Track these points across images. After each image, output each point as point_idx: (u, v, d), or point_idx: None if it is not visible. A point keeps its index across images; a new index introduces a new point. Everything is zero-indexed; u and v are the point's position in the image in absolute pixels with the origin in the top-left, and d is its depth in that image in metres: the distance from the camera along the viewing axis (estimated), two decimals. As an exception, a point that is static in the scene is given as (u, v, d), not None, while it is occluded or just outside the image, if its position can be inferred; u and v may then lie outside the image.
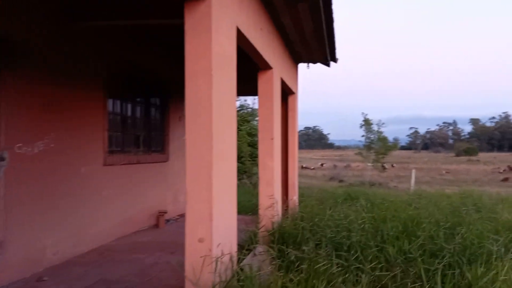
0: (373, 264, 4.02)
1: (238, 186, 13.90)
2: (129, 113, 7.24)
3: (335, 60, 8.04)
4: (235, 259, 3.66)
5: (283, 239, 5.05)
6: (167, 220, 8.02)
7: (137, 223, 7.19)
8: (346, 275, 3.77)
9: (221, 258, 3.24)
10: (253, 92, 7.44)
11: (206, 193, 3.12)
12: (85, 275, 4.76)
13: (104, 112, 6.36)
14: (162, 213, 7.74)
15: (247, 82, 6.07)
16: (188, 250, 3.11)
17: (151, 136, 7.85)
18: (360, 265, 4.04)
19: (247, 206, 8.72)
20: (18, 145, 4.65)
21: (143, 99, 7.68)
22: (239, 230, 6.41)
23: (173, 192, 8.55)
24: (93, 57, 6.09)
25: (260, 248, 4.57)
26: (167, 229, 7.52)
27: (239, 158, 15.29)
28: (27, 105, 4.79)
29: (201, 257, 3.07)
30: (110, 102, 6.61)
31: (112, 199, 6.48)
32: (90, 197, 5.95)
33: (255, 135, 15.94)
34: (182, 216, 8.69)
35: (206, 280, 3.06)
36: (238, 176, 15.42)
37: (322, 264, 3.77)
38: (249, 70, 5.79)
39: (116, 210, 6.58)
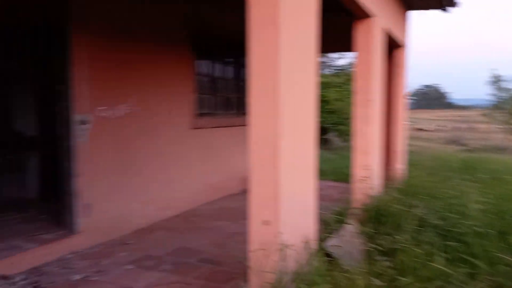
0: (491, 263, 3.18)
1: (344, 150, 13.12)
2: (218, 74, 6.94)
3: (453, 3, 6.67)
4: (312, 243, 3.14)
5: (378, 218, 4.37)
6: (261, 185, 7.74)
7: (225, 188, 7.03)
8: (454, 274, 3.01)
9: (292, 244, 2.75)
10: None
11: (271, 169, 2.61)
12: (167, 241, 4.66)
13: (192, 74, 6.12)
14: (254, 178, 7.46)
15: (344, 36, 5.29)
16: (251, 234, 2.67)
17: (241, 98, 7.51)
18: (475, 263, 3.22)
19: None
20: (101, 108, 4.60)
21: (232, 59, 7.30)
22: (332, 201, 5.85)
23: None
24: (181, 17, 5.81)
25: (349, 227, 3.98)
26: (259, 194, 7.24)
27: (345, 120, 14.41)
28: (110, 67, 4.69)
29: (265, 243, 2.62)
30: (198, 63, 6.35)
31: (199, 163, 6.34)
32: (177, 161, 5.85)
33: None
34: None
35: (272, 269, 2.60)
36: (345, 139, 14.62)
37: (421, 257, 3.06)
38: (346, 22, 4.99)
39: (203, 175, 6.45)
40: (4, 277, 3.53)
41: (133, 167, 5.06)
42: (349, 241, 3.82)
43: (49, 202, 5.44)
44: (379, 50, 5.27)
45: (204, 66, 6.55)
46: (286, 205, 2.70)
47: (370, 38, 4.97)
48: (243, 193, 7.23)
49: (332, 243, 3.63)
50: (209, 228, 5.17)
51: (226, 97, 7.08)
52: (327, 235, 3.72)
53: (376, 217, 4.37)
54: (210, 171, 6.58)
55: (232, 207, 6.28)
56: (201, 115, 6.41)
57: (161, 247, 4.48)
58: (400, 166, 7.22)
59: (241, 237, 4.77)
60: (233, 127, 7.10)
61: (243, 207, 6.37)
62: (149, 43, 5.26)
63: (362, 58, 5.00)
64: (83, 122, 4.39)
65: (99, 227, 4.59)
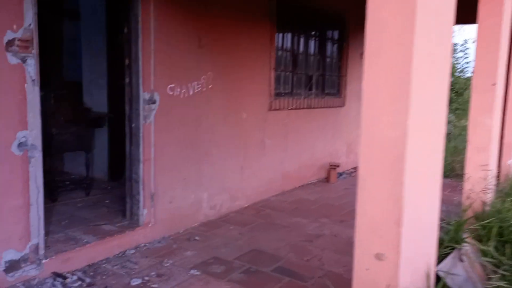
0: None
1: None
2: (300, 49, 6.15)
3: None
4: (432, 276, 2.36)
5: (501, 233, 3.45)
6: (340, 174, 6.96)
7: (304, 176, 6.32)
8: None
9: (410, 282, 1.99)
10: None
11: (391, 180, 1.85)
12: (237, 239, 4.09)
13: (271, 48, 5.40)
14: (334, 166, 6.69)
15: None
16: (356, 271, 1.95)
17: (325, 76, 6.67)
18: None
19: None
20: (170, 85, 4.06)
21: (316, 33, 6.46)
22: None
23: (348, 142, 7.36)
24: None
25: (467, 248, 3.12)
26: (338, 185, 6.47)
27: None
28: (181, 41, 4.11)
29: (376, 283, 1.89)
30: (278, 36, 5.61)
31: (276, 148, 5.68)
32: (251, 146, 5.23)
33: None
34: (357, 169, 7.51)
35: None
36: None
37: None
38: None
39: (278, 161, 5.78)
40: (58, 275, 3.14)
41: (202, 152, 4.51)
42: (469, 267, 2.99)
43: (118, 182, 5.10)
44: (509, 19, 4.18)
45: (284, 39, 5.79)
46: (408, 229, 1.94)
47: (497, 7, 3.92)
48: (322, 182, 6.49)
49: (448, 269, 2.82)
50: (285, 226, 4.53)
51: (307, 75, 6.30)
52: (441, 259, 2.90)
53: (499, 233, 3.45)
54: (286, 157, 5.90)
55: (311, 200, 5.58)
56: (279, 95, 5.71)
57: (231, 247, 3.92)
58: None
59: (323, 241, 4.09)
60: (313, 109, 6.33)
61: (322, 200, 5.70)
62: (225, 14, 4.61)
63: (485, 31, 3.96)
64: (150, 101, 3.87)
65: (164, 218, 4.11)
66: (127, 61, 3.81)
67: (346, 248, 3.95)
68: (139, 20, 3.70)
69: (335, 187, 6.37)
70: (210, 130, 4.58)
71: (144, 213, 3.93)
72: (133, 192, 3.92)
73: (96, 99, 5.42)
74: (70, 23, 5.73)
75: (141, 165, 3.87)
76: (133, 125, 3.85)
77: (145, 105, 3.83)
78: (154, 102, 3.91)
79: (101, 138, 5.45)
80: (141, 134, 3.84)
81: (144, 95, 3.81)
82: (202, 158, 4.52)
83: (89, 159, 4.74)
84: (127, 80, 3.84)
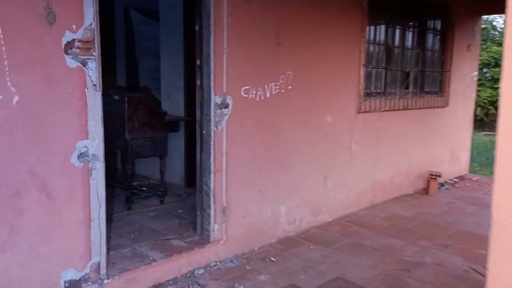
0: None
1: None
2: (396, 42, 5.40)
3: None
4: None
5: None
6: (441, 185, 6.06)
7: (398, 187, 5.56)
8: None
9: None
10: None
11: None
12: (319, 263, 3.56)
13: (362, 42, 4.76)
14: (434, 176, 5.82)
15: None
16: None
17: (424, 72, 5.83)
18: None
19: None
20: (244, 88, 3.64)
21: (415, 23, 5.65)
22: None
23: (452, 147, 6.41)
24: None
25: None
26: (440, 198, 5.60)
27: None
28: (256, 36, 3.68)
29: None
30: (370, 28, 4.94)
31: (365, 155, 5.02)
32: (336, 153, 4.64)
33: None
34: (462, 179, 6.52)
35: None
36: None
37: None
38: None
39: (370, 170, 5.11)
40: (120, 298, 2.88)
41: (280, 161, 4.04)
42: None
43: (194, 188, 4.82)
44: None
45: (376, 31, 5.10)
46: None
47: None
48: (419, 194, 5.67)
49: None
50: (376, 249, 3.89)
51: (403, 72, 5.53)
52: None
53: None
54: (377, 165, 5.21)
55: (407, 216, 4.83)
56: (369, 95, 5.04)
57: (311, 272, 3.40)
58: None
59: (424, 272, 3.38)
60: (410, 110, 5.54)
61: (421, 216, 4.86)
62: (307, 5, 4.08)
63: None
64: (222, 105, 3.49)
65: (237, 235, 3.72)
66: (198, 62, 3.47)
67: (454, 283, 3.22)
68: (211, 15, 3.33)
69: (436, 200, 5.51)
70: (289, 136, 4.09)
71: (215, 228, 3.57)
72: (203, 206, 3.57)
73: (174, 102, 5.22)
74: (151, 23, 5.61)
75: (212, 176, 3.51)
76: (203, 131, 3.50)
77: (216, 109, 3.46)
78: (226, 107, 3.52)
79: (178, 143, 5.24)
80: (212, 142, 3.47)
81: (215, 99, 3.44)
82: (280, 167, 4.05)
83: (164, 165, 4.52)
84: (198, 82, 3.50)
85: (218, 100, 3.46)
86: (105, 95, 2.88)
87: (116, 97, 4.16)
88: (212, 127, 3.45)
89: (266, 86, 3.81)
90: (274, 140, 3.96)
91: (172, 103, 5.22)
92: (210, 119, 3.45)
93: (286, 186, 4.14)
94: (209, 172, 3.50)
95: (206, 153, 3.50)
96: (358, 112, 4.82)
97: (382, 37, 5.18)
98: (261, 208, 3.90)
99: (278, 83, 3.91)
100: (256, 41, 3.68)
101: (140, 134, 4.21)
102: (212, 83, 3.40)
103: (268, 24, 3.76)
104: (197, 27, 3.42)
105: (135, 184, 4.82)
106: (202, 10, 3.36)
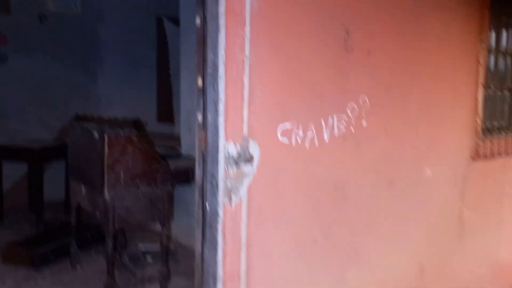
0: None
1: None
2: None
3: None
4: None
5: None
6: None
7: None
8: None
9: None
10: None
11: None
12: None
13: (479, 48, 3.01)
14: None
15: None
16: None
17: None
18: None
19: None
20: (282, 126, 2.05)
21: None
22: None
23: None
24: None
25: None
26: None
27: None
28: (303, 32, 2.08)
29: None
30: (491, 32, 3.18)
31: (482, 226, 3.19)
32: (439, 226, 2.88)
33: None
34: None
35: None
36: None
37: None
38: None
39: (489, 248, 3.27)
40: None
41: (347, 249, 2.38)
42: None
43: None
44: None
45: (501, 36, 3.31)
46: None
47: None
48: None
49: None
50: None
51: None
52: None
53: None
54: (500, 240, 3.35)
55: None
56: (490, 130, 3.23)
57: None
58: None
59: None
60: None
61: None
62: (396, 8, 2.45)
63: None
64: (240, 159, 1.92)
65: None
66: (199, 81, 1.94)
67: None
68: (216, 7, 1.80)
69: None
70: (361, 205, 2.42)
71: None
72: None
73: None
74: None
75: (219, 283, 1.93)
76: (206, 205, 1.95)
77: (229, 166, 1.89)
78: (248, 161, 1.94)
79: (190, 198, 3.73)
80: (220, 225, 1.89)
81: (228, 147, 1.88)
82: (347, 258, 2.38)
83: (167, 234, 3.02)
84: (198, 117, 1.96)
85: (233, 149, 1.90)
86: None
87: (96, 135, 2.75)
88: (221, 199, 1.89)
89: (323, 122, 2.19)
90: (336, 214, 2.31)
91: (194, 139, 3.74)
92: (217, 184, 1.89)
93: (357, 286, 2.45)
94: (215, 280, 1.92)
95: (210, 246, 1.93)
96: (474, 158, 3.03)
97: (511, 44, 3.36)
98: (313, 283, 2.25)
99: (345, 117, 2.28)
100: (306, 43, 2.10)
101: (127, 191, 2.76)
102: (221, 119, 1.85)
103: (328, 15, 2.16)
104: (197, 20, 1.91)
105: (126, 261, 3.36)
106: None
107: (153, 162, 2.86)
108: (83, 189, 3.04)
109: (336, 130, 2.25)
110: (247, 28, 1.88)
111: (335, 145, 2.25)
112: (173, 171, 3.02)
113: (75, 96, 5.51)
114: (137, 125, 4.18)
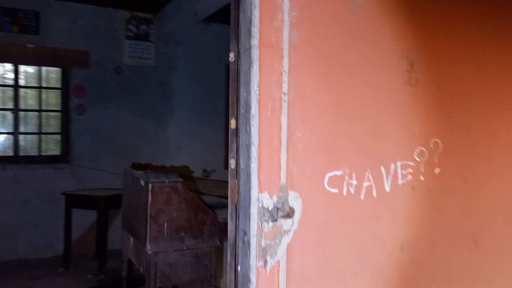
0: None
1: None
2: None
3: None
4: None
5: None
6: None
7: None
8: None
9: None
10: None
11: None
12: None
13: None
14: None
15: None
16: None
17: None
18: None
19: None
20: (330, 173, 1.73)
21: None
22: None
23: None
24: None
25: None
26: None
27: None
28: (353, 64, 1.79)
29: None
30: None
31: None
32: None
33: None
34: None
35: None
36: None
37: None
38: None
39: None
40: None
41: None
42: None
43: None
44: None
45: None
46: None
47: None
48: None
49: None
50: None
51: None
52: None
53: None
54: None
55: None
56: None
57: None
58: None
59: None
60: None
61: None
62: (467, 10, 2.08)
63: None
64: (278, 214, 1.62)
65: None
66: (232, 122, 1.72)
67: None
68: (254, 25, 1.60)
69: None
70: (436, 269, 1.96)
71: None
72: None
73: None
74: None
75: None
76: (237, 267, 1.66)
77: (264, 221, 1.60)
78: (288, 216, 1.64)
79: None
80: (253, 296, 1.59)
81: (262, 199, 1.60)
82: None
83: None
84: (231, 163, 1.72)
85: (268, 201, 1.61)
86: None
87: (142, 183, 2.62)
88: (254, 261, 1.59)
89: (383, 169, 1.83)
90: (402, 281, 1.88)
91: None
92: (249, 243, 1.60)
93: None
94: None
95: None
96: None
97: None
98: None
99: (411, 163, 1.90)
100: (359, 77, 1.80)
101: (171, 244, 2.56)
102: (253, 165, 1.59)
103: (387, 45, 1.86)
104: (231, 55, 1.72)
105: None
106: (240, 18, 1.66)
107: (200, 213, 2.64)
108: (131, 240, 2.90)
109: (400, 179, 1.87)
110: (285, 61, 1.65)
111: (399, 196, 1.87)
112: (223, 224, 2.77)
113: (146, 145, 5.62)
114: (185, 170, 4.04)
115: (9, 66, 4.95)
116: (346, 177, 1.76)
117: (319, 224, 1.71)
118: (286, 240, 1.64)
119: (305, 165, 1.68)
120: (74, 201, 4.58)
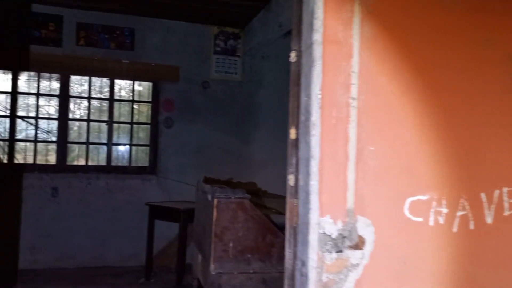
0: None
1: None
2: None
3: None
4: None
5: None
6: None
7: None
8: None
9: None
10: None
11: None
12: None
13: None
14: None
15: None
16: None
17: None
18: None
19: None
20: (412, 198, 1.40)
21: None
22: None
23: None
24: None
25: None
26: None
27: None
28: (438, 65, 1.46)
29: None
30: None
31: None
32: None
33: None
34: None
35: None
36: None
37: None
38: None
39: None
40: None
41: None
42: None
43: None
44: None
45: None
46: None
47: None
48: None
49: None
50: None
51: None
52: None
53: None
54: None
55: None
56: None
57: None
58: None
59: None
60: None
61: None
62: None
63: None
64: (344, 243, 1.34)
65: None
66: (292, 132, 1.48)
67: None
68: (317, 18, 1.35)
69: None
70: None
71: None
72: None
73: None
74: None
75: None
76: (293, 306, 1.39)
77: (325, 252, 1.32)
78: (357, 247, 1.34)
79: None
80: None
81: (323, 225, 1.33)
82: None
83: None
84: (289, 179, 1.48)
85: (331, 227, 1.33)
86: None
87: (209, 198, 2.48)
88: (312, 300, 1.31)
89: (483, 196, 1.45)
90: None
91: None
92: (306, 275, 1.33)
93: None
94: None
95: None
96: None
97: None
98: None
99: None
100: (452, 81, 1.46)
101: (236, 266, 2.36)
102: (313, 182, 1.32)
103: (481, 39, 1.49)
104: (292, 55, 1.49)
105: None
106: (303, 11, 1.43)
107: (268, 233, 2.42)
108: (199, 258, 2.77)
109: (507, 209, 1.47)
110: (355, 60, 1.37)
111: (505, 230, 1.46)
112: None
113: (229, 159, 5.57)
114: (252, 186, 3.84)
115: (106, 81, 5.25)
116: (434, 203, 1.41)
117: (397, 259, 1.38)
118: (354, 276, 1.34)
119: (379, 186, 1.38)
120: (156, 212, 4.63)
